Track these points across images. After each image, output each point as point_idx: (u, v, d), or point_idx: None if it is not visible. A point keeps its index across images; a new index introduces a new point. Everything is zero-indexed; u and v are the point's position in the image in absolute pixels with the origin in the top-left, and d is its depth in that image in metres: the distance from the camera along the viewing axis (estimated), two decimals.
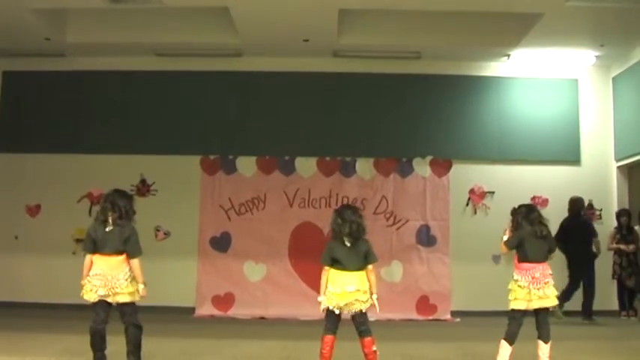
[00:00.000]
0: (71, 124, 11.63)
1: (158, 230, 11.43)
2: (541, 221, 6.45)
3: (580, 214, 10.81)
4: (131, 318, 6.01)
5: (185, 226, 11.42)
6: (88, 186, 11.37)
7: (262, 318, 10.92)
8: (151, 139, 11.54)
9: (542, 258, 6.34)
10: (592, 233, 10.66)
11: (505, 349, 6.26)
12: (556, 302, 6.37)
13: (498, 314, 10.24)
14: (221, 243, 11.44)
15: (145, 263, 10.22)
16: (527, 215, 6.45)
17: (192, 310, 11.14)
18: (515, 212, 6.61)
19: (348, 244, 6.02)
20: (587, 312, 10.40)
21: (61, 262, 10.85)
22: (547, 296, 6.23)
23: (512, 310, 6.30)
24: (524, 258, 6.34)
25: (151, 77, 11.74)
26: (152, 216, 11.23)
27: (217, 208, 11.48)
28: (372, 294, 6.04)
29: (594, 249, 10.62)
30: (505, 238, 6.56)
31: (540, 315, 6.32)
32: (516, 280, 6.30)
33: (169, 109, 11.67)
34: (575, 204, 10.76)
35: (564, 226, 10.43)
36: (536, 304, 6.23)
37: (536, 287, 6.20)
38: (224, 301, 11.24)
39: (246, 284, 11.30)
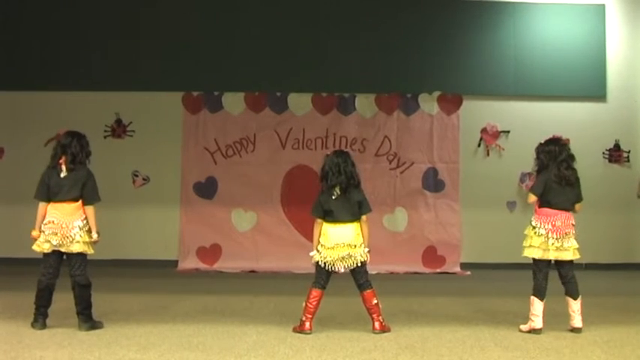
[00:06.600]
0: (37, 57, 11.40)
1: (136, 176, 11.34)
2: (570, 165, 6.35)
3: None
4: (79, 271, 6.21)
5: (166, 170, 11.36)
6: (56, 127, 10.59)
7: (252, 271, 10.98)
8: (127, 73, 11.33)
9: (567, 206, 6.32)
10: None
11: (537, 306, 6.27)
12: (577, 256, 6.33)
13: (513, 267, 10.42)
14: (206, 189, 11.42)
15: (122, 212, 10.42)
16: (555, 156, 6.34)
17: (174, 263, 11.14)
18: (540, 150, 6.47)
19: (340, 194, 6.19)
20: None
21: (28, 212, 10.59)
22: (566, 249, 6.26)
23: (535, 260, 6.33)
24: (546, 203, 6.33)
25: (126, 1, 11.48)
26: (129, 160, 11.25)
27: (202, 151, 11.42)
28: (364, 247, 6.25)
29: None
30: None
31: (563, 269, 6.35)
32: (534, 227, 6.33)
33: (147, 38, 11.42)
34: None
35: None
36: (552, 255, 6.27)
37: (555, 237, 6.24)
38: (210, 253, 11.27)
39: (235, 234, 11.33)
